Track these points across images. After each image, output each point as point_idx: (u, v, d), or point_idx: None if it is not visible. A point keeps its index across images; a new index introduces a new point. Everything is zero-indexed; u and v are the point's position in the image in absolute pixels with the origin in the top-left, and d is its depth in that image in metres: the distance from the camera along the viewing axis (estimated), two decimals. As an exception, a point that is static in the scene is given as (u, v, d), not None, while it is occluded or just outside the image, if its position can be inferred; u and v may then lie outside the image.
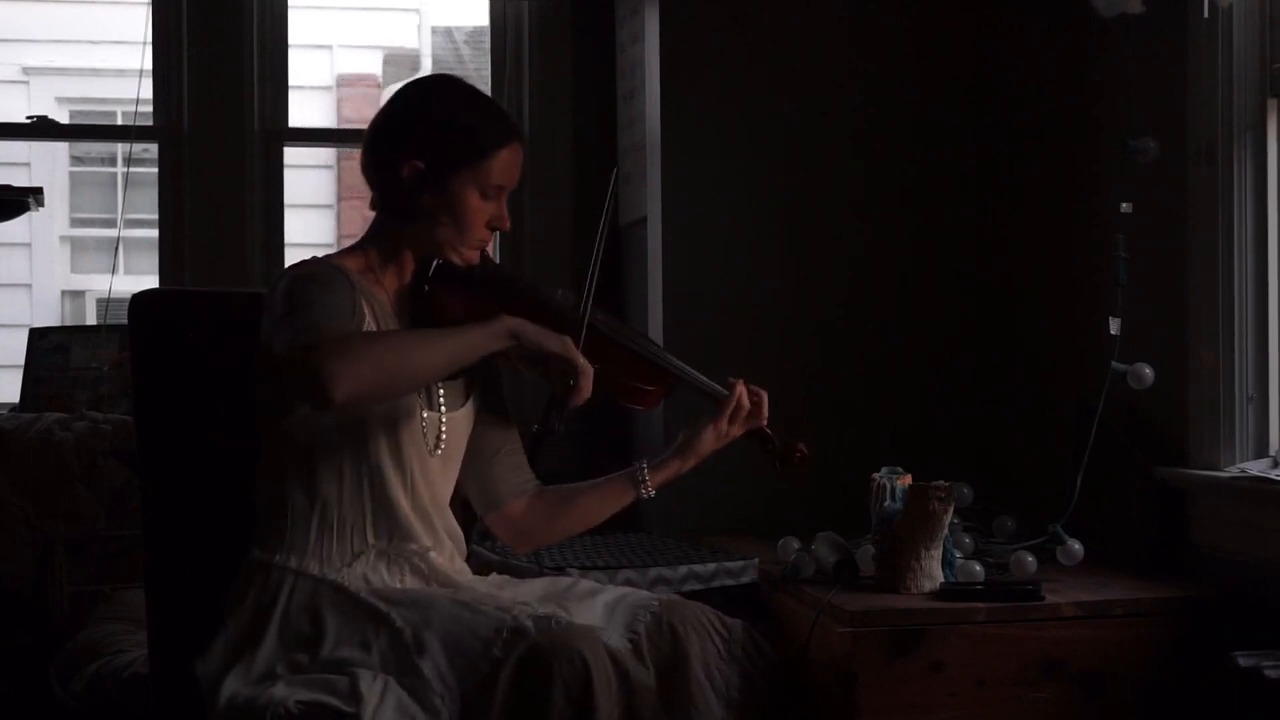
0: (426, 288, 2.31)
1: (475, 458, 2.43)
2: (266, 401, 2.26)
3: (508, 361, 2.28)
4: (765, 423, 2.45)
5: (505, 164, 2.29)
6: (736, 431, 2.44)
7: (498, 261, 2.42)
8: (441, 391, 2.33)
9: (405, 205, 2.28)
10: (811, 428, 2.54)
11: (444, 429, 2.32)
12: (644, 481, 2.44)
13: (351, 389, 2.02)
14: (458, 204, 2.26)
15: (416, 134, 2.26)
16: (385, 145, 2.29)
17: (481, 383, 2.42)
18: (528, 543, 2.53)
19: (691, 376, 2.44)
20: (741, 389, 2.42)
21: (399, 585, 2.25)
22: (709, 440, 2.44)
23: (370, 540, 2.25)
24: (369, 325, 2.23)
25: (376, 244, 2.33)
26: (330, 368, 1.99)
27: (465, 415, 2.37)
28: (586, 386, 2.21)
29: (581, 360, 2.21)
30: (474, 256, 2.32)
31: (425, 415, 2.30)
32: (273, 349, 2.11)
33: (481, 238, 2.31)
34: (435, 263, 2.31)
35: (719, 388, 2.44)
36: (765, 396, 2.44)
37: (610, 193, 2.44)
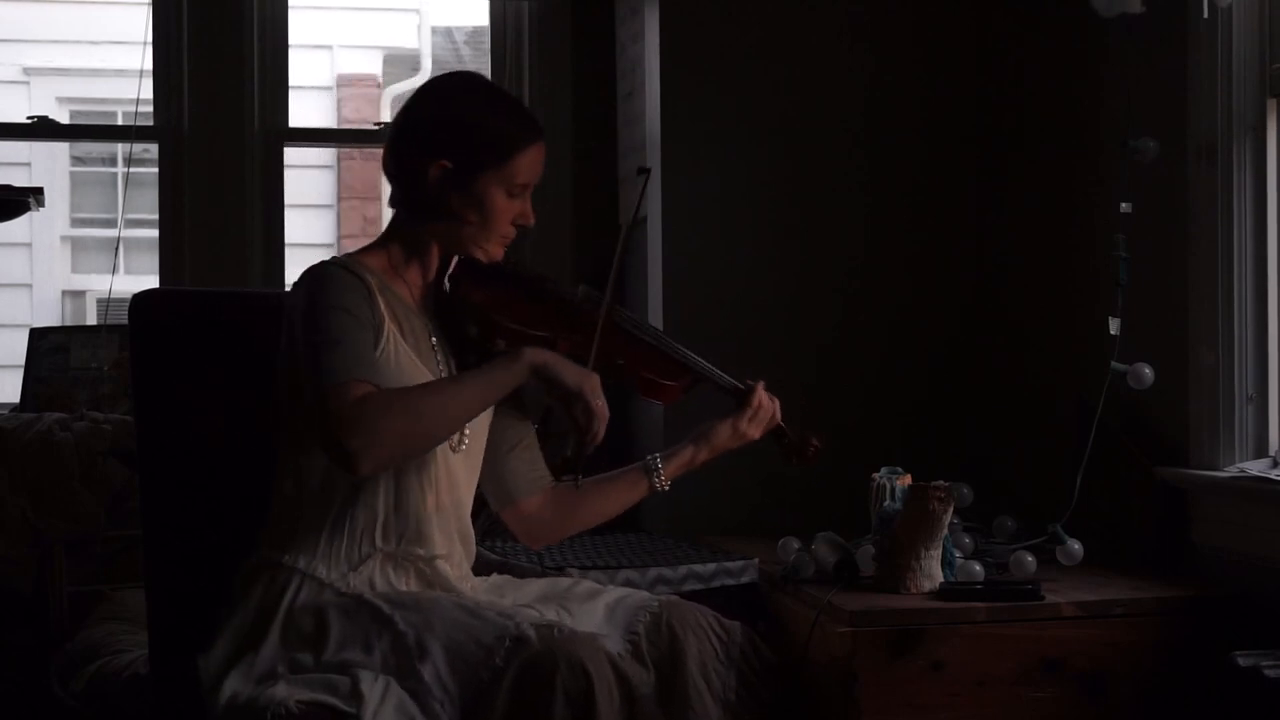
0: (448, 285, 2.33)
1: (491, 453, 2.44)
2: (290, 405, 2.25)
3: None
4: (781, 422, 2.49)
5: (531, 162, 2.30)
6: (755, 433, 2.47)
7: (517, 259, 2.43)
8: None
9: (431, 205, 2.28)
10: (823, 449, 2.56)
11: (467, 426, 2.31)
12: (658, 472, 2.46)
13: (376, 465, 2.10)
14: (485, 203, 2.27)
15: (443, 135, 2.27)
16: (411, 146, 2.29)
17: None
18: (541, 538, 2.52)
19: (712, 373, 2.46)
20: (761, 391, 2.46)
21: (403, 588, 2.25)
22: (725, 436, 2.47)
23: (379, 544, 2.25)
24: (390, 328, 2.23)
25: (400, 241, 2.33)
26: (356, 444, 2.06)
27: (486, 411, 2.36)
28: (599, 430, 2.23)
29: (598, 401, 2.22)
30: (499, 253, 2.33)
31: None
32: (303, 386, 2.13)
33: (506, 235, 2.32)
34: (457, 260, 2.33)
35: (739, 384, 2.47)
36: (778, 401, 2.48)
37: (641, 192, 2.47)
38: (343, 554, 2.24)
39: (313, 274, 2.24)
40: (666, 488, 2.48)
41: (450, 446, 2.30)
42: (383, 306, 2.24)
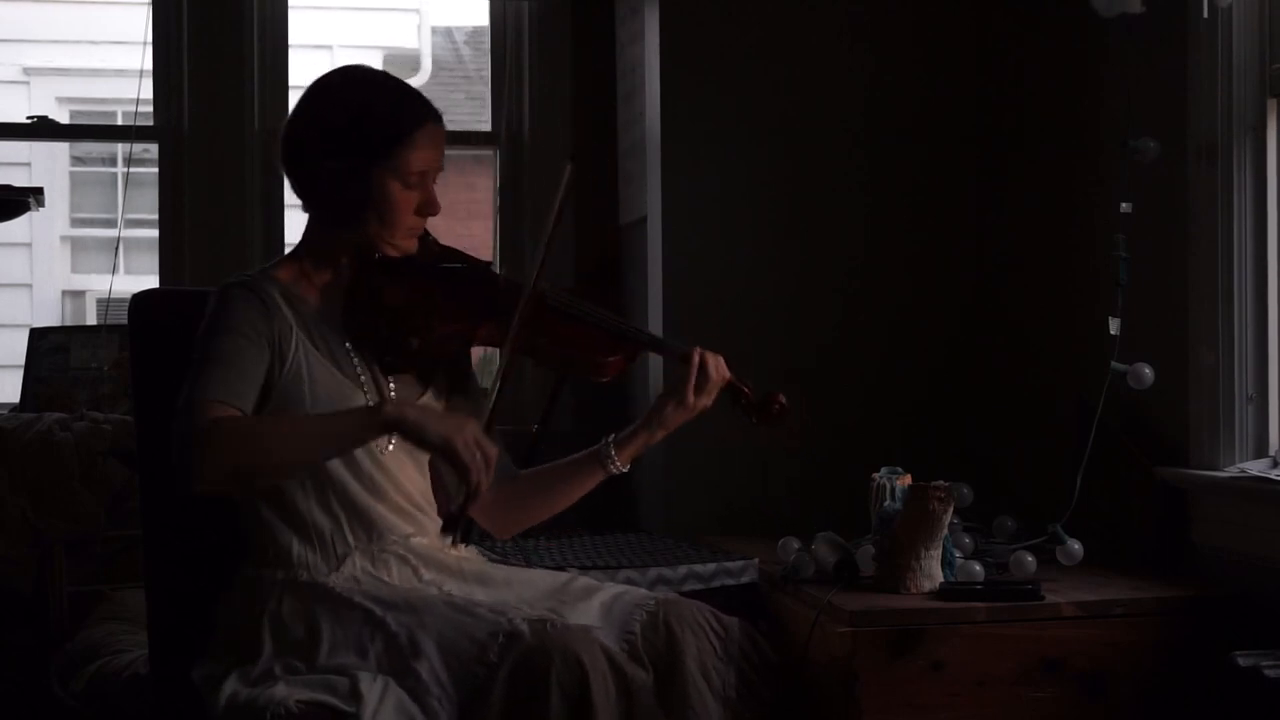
0: (355, 286, 2.28)
1: None
2: None
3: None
4: (731, 378, 2.36)
5: (422, 149, 2.24)
6: (705, 401, 2.35)
7: (444, 245, 2.38)
8: (392, 385, 2.31)
9: (330, 207, 2.26)
10: (808, 421, 2.52)
11: (398, 399, 2.28)
12: (611, 458, 2.39)
13: (206, 487, 2.09)
14: (381, 199, 2.23)
15: (326, 136, 2.23)
16: (297, 150, 2.27)
17: (446, 371, 2.39)
18: (507, 528, 2.50)
19: (653, 341, 2.42)
20: (699, 356, 2.33)
21: (387, 579, 2.25)
22: (672, 411, 2.35)
23: (352, 543, 2.25)
24: (299, 338, 2.22)
25: (310, 248, 2.32)
26: (193, 462, 2.06)
27: (431, 405, 2.34)
28: (479, 482, 2.11)
29: (474, 453, 2.11)
30: (410, 245, 2.30)
31: None
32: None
33: (413, 227, 2.28)
34: (364, 259, 2.28)
35: (681, 348, 2.37)
36: (721, 359, 2.36)
37: (564, 185, 2.37)
38: (319, 560, 2.24)
39: (216, 294, 2.25)
40: (624, 469, 2.41)
41: (377, 449, 2.26)
42: (290, 318, 2.23)
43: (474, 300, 2.30)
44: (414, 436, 2.13)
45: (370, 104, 2.25)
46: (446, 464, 2.17)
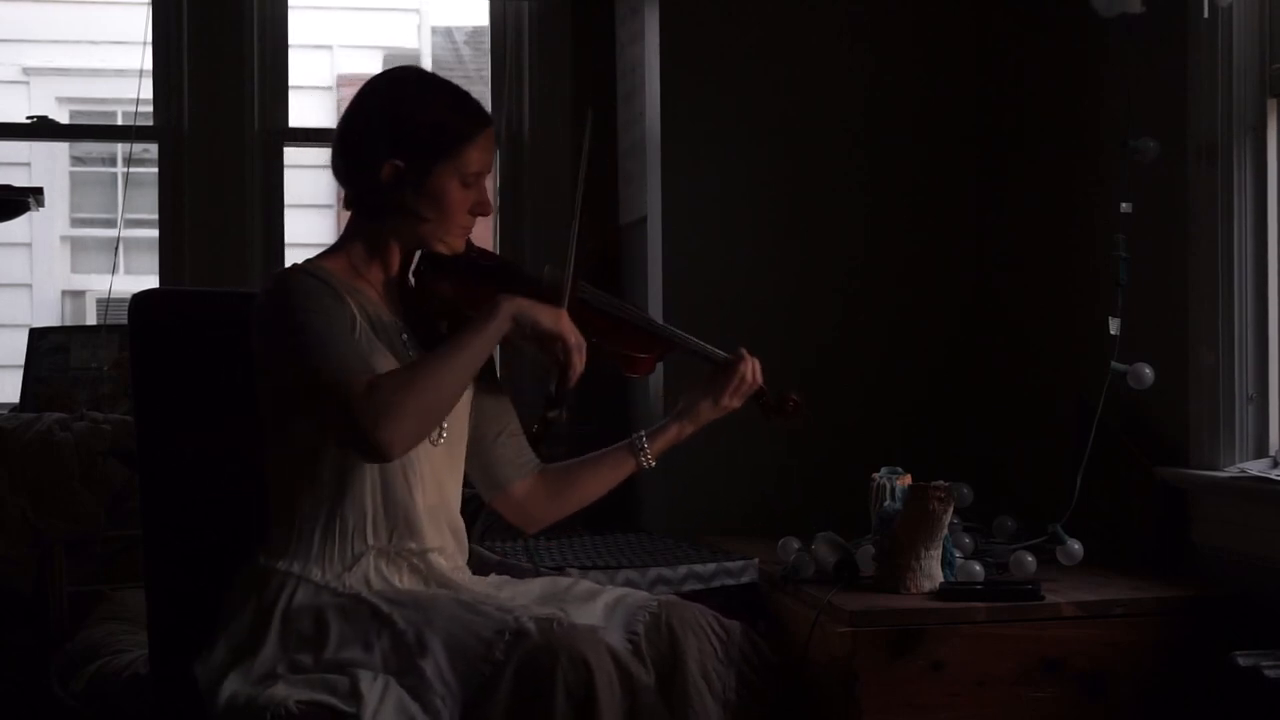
0: (413, 280, 2.33)
1: (477, 442, 2.44)
2: (271, 413, 2.26)
3: (508, 341, 2.31)
4: (762, 383, 2.48)
5: (481, 151, 2.29)
6: (737, 403, 2.47)
7: (480, 246, 2.44)
8: None
9: (387, 204, 2.28)
10: (810, 417, 2.53)
11: (445, 420, 2.30)
12: (643, 450, 2.46)
13: (405, 445, 2.13)
14: (441, 197, 2.27)
15: (391, 135, 2.26)
16: (359, 147, 2.29)
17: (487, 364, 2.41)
18: (534, 522, 2.52)
19: (687, 342, 2.46)
20: (748, 363, 2.45)
21: (397, 583, 2.25)
22: (707, 410, 2.47)
23: (370, 541, 2.25)
24: (362, 326, 2.23)
25: (359, 242, 2.33)
26: (381, 434, 2.09)
27: (464, 401, 2.36)
28: (579, 360, 2.25)
29: (574, 336, 2.25)
30: (460, 244, 2.33)
31: None
32: (297, 393, 2.16)
33: (465, 225, 2.32)
34: (420, 253, 2.32)
35: (718, 352, 2.47)
36: (758, 364, 2.47)
37: (586, 133, 2.41)
38: (336, 555, 2.24)
39: (278, 282, 2.24)
40: (653, 464, 2.49)
41: (430, 440, 2.29)
42: (352, 306, 2.25)
43: (525, 296, 2.33)
44: (532, 321, 2.23)
45: (435, 103, 2.29)
46: (550, 348, 2.26)
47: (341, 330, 2.18)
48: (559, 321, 2.25)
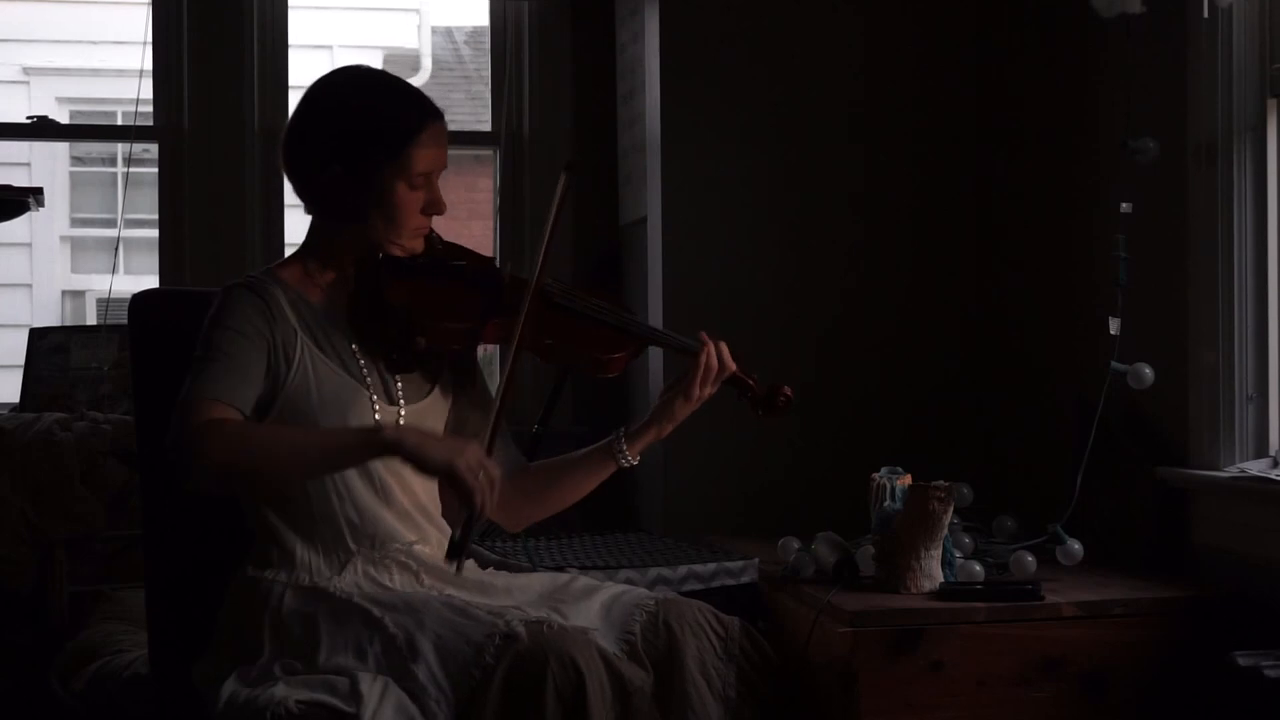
0: (362, 286, 2.27)
1: None
2: None
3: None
4: (736, 369, 2.39)
5: (427, 149, 2.24)
6: (709, 391, 2.38)
7: (450, 242, 2.38)
8: (400, 385, 2.30)
9: (336, 209, 2.26)
10: (794, 400, 2.49)
11: (404, 424, 2.28)
12: (622, 452, 2.39)
13: (198, 486, 2.11)
14: (387, 200, 2.23)
15: (331, 138, 2.23)
16: (301, 153, 2.26)
17: (453, 369, 2.39)
18: (517, 521, 2.49)
19: (657, 337, 2.42)
20: (710, 350, 2.36)
21: (388, 584, 2.25)
22: (680, 405, 2.38)
23: (354, 548, 2.25)
24: (303, 340, 2.22)
25: (314, 248, 2.32)
26: (186, 466, 2.07)
27: (432, 405, 2.33)
28: (480, 501, 2.09)
29: (476, 475, 2.08)
30: (416, 245, 2.29)
31: (379, 413, 2.26)
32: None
33: (419, 226, 2.28)
34: (370, 259, 2.28)
35: (688, 342, 2.39)
36: (725, 347, 2.39)
37: (558, 191, 2.34)
38: (322, 563, 2.24)
39: (222, 293, 2.24)
40: (635, 463, 2.42)
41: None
42: (293, 320, 2.23)
43: (480, 298, 2.29)
44: (414, 460, 2.11)
45: (374, 105, 2.25)
46: (449, 487, 2.15)
47: (240, 358, 2.17)
48: (454, 457, 2.08)
